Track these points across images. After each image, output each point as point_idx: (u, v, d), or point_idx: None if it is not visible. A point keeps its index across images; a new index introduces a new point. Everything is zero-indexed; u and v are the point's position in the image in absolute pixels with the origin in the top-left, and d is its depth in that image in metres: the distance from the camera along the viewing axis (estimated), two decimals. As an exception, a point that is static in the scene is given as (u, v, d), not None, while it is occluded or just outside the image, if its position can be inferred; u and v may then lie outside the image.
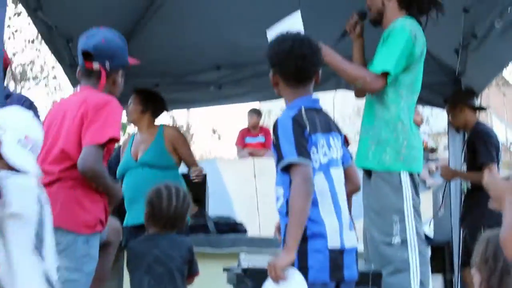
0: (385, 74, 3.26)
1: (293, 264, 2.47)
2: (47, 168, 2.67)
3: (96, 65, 2.79)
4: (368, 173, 3.44)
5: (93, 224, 2.76)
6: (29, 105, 3.71)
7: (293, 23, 3.40)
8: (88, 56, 2.78)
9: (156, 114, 4.50)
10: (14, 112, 2.55)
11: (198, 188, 4.84)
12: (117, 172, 4.48)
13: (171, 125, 6.06)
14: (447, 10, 3.60)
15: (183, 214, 3.22)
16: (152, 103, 4.49)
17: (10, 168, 2.30)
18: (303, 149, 2.48)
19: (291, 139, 2.48)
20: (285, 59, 2.57)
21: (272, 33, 3.22)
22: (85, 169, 2.62)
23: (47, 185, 2.50)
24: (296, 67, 2.56)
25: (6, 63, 4.20)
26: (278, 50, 2.61)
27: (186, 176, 4.50)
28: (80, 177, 2.59)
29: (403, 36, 3.28)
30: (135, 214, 3.97)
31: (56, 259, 2.36)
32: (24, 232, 2.22)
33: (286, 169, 2.47)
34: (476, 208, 4.37)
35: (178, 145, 4.42)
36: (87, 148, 2.61)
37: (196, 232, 4.63)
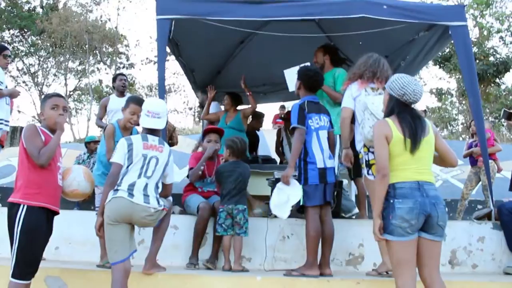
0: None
1: (294, 176, 3.26)
2: None
3: None
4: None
5: None
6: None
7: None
8: None
9: (237, 104, 6.17)
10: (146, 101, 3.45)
11: (254, 142, 6.71)
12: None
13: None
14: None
15: (244, 150, 4.10)
16: (235, 98, 6.19)
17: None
18: (300, 120, 3.34)
19: (296, 114, 3.38)
20: (307, 77, 3.55)
21: (288, 71, 4.47)
22: None
23: None
24: (310, 82, 3.55)
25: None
26: (306, 72, 3.61)
27: (250, 136, 5.98)
28: None
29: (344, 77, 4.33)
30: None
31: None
32: None
33: (293, 130, 3.35)
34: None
35: (247, 117, 6.08)
36: None
37: (253, 163, 5.53)
